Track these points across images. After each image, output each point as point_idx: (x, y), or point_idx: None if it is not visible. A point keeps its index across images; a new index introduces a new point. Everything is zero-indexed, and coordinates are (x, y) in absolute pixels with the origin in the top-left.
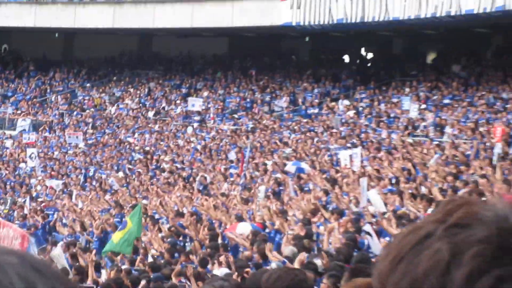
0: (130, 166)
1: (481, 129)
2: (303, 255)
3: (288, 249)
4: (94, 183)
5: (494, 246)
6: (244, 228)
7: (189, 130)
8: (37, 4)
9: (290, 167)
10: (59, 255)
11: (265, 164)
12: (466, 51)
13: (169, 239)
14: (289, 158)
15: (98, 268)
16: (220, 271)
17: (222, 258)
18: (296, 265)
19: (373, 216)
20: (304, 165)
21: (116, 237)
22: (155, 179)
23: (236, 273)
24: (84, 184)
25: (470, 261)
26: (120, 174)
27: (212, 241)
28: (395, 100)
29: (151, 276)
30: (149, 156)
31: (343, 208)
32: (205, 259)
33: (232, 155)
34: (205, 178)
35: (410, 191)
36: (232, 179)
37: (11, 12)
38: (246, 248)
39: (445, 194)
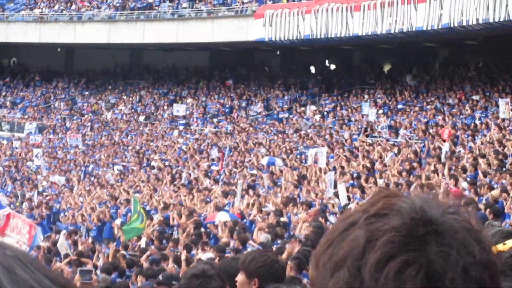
0: (124, 164)
1: (430, 130)
2: (291, 247)
3: (263, 236)
4: (92, 179)
5: (403, 234)
6: (222, 217)
7: (175, 132)
8: (42, 22)
9: (264, 160)
10: (62, 243)
11: (242, 162)
12: (417, 62)
13: (158, 228)
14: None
15: (95, 253)
16: (204, 255)
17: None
18: (284, 256)
19: (338, 207)
20: (277, 159)
21: (129, 226)
22: (146, 175)
23: (217, 258)
24: (84, 179)
25: (381, 247)
26: (116, 170)
27: (196, 229)
28: (355, 105)
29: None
30: (140, 155)
31: (310, 200)
32: (189, 245)
33: (213, 154)
34: (190, 174)
35: (370, 186)
36: (213, 175)
37: (18, 30)
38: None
39: (400, 188)
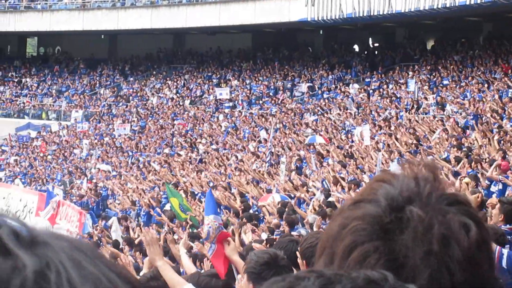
0: (170, 149)
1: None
2: (319, 220)
3: (311, 217)
4: (139, 164)
5: (369, 222)
6: (274, 198)
7: (221, 115)
8: (85, 10)
9: (307, 139)
10: (117, 228)
11: (288, 143)
12: (461, 37)
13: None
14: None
15: None
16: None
17: (248, 226)
18: (315, 229)
19: None
20: (317, 136)
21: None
22: (193, 159)
23: (264, 241)
24: (131, 165)
25: (348, 235)
26: (162, 156)
27: (244, 211)
28: (401, 82)
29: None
30: (187, 139)
31: (359, 179)
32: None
33: (261, 136)
34: (237, 156)
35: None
36: (260, 157)
37: (62, 18)
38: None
39: (449, 164)
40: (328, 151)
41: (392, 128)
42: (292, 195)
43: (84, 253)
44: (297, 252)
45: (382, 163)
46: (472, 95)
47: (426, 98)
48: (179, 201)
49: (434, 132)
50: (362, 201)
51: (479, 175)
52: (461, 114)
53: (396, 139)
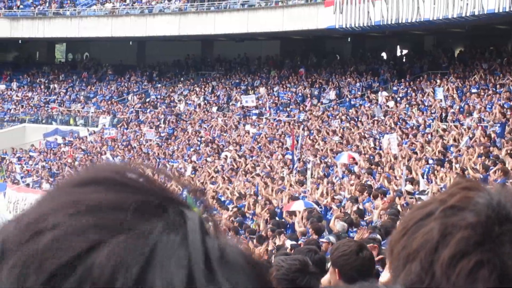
0: (198, 156)
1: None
2: (360, 234)
3: (339, 224)
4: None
5: (479, 232)
6: (298, 206)
7: (248, 123)
8: (113, 16)
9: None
10: None
11: (316, 150)
12: (489, 45)
13: (237, 218)
14: (337, 144)
15: None
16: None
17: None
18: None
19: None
20: (344, 156)
21: None
22: (220, 166)
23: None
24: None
25: (456, 244)
26: (190, 163)
27: (271, 219)
28: (428, 90)
29: None
30: (214, 146)
31: (386, 187)
32: (261, 236)
33: (288, 143)
34: (264, 164)
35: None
36: (287, 164)
37: (90, 25)
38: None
39: (477, 172)
40: (354, 159)
41: (420, 136)
42: (319, 203)
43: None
44: (328, 260)
45: (410, 172)
46: (501, 103)
47: (452, 107)
48: None
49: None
50: (462, 208)
51: (508, 183)
52: (488, 122)
53: (423, 147)
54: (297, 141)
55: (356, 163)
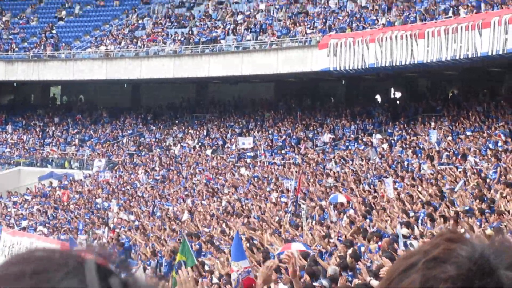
0: (192, 199)
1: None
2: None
3: (331, 268)
4: (161, 214)
5: (459, 286)
6: (297, 248)
7: (243, 167)
8: (108, 59)
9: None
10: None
11: (309, 192)
12: (483, 88)
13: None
14: (332, 187)
15: None
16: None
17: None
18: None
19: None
20: (339, 195)
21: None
22: (215, 209)
23: None
24: (153, 215)
25: None
26: (185, 205)
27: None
28: (423, 133)
29: None
30: (209, 189)
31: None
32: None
33: (284, 185)
34: (259, 207)
35: (439, 215)
36: (282, 207)
37: (85, 67)
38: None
39: (472, 215)
40: (348, 202)
41: (415, 179)
42: (314, 246)
43: None
44: None
45: (404, 215)
46: (495, 146)
47: (447, 150)
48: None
49: (456, 183)
50: (444, 261)
51: (502, 227)
52: (483, 165)
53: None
54: (292, 184)
55: (350, 205)
